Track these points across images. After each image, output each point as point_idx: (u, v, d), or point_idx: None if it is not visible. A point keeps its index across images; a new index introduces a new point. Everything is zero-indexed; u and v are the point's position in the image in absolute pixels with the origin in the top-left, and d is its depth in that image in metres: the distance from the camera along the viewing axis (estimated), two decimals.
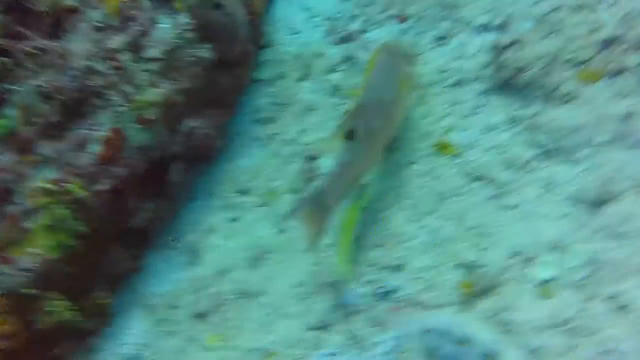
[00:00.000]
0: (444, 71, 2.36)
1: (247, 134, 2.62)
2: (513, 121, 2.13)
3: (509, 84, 2.18)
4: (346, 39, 2.73)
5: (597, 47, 2.12)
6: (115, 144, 2.04)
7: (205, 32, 2.21)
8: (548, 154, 1.99)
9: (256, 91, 2.75)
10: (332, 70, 2.65)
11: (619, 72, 2.05)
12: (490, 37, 2.40)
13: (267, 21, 2.94)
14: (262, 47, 2.88)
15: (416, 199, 2.10)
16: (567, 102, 2.06)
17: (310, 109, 2.57)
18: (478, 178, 2.05)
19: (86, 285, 2.18)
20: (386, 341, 1.76)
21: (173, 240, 2.40)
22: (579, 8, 2.25)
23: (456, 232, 1.97)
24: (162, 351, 2.14)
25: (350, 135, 1.92)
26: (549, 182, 1.94)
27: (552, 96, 2.09)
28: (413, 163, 2.21)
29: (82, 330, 2.13)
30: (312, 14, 2.93)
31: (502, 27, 2.39)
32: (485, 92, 2.25)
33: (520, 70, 2.12)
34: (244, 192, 2.43)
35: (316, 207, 1.88)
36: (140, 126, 2.07)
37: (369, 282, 1.97)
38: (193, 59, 2.23)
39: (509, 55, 2.15)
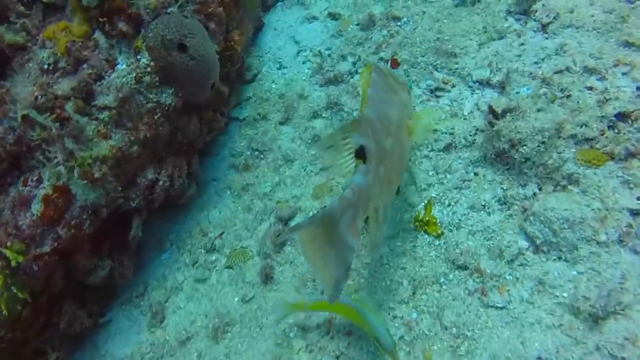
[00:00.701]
0: (435, 130, 2.06)
1: (222, 180, 2.38)
2: (505, 202, 1.84)
3: (503, 157, 1.87)
4: (333, 81, 2.44)
5: (607, 123, 1.82)
6: (58, 203, 1.79)
7: (166, 75, 1.94)
8: (542, 247, 1.70)
9: (236, 132, 2.49)
10: (315, 115, 2.37)
11: (630, 155, 1.75)
12: (487, 95, 2.10)
13: (253, 52, 2.66)
14: (246, 82, 2.61)
15: (391, 283, 1.83)
16: (567, 187, 1.76)
17: (287, 159, 2.30)
18: (461, 267, 1.77)
19: (38, 347, 1.97)
20: None
21: (137, 297, 2.18)
22: (589, 72, 1.94)
23: (432, 330, 1.70)
24: None
25: (360, 155, 1.43)
26: (542, 282, 1.66)
27: (550, 178, 1.79)
28: (392, 237, 1.93)
29: None
30: (300, 47, 2.64)
31: (501, 86, 2.08)
32: (477, 163, 1.95)
33: (516, 144, 1.82)
34: (212, 249, 2.18)
35: (327, 234, 1.36)
36: (87, 183, 1.81)
37: None
38: (152, 105, 1.96)
39: (504, 124, 1.85)
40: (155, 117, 1.98)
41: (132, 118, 1.94)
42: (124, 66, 1.94)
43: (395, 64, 2.34)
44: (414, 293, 1.79)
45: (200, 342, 1.99)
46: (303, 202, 2.15)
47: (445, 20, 2.34)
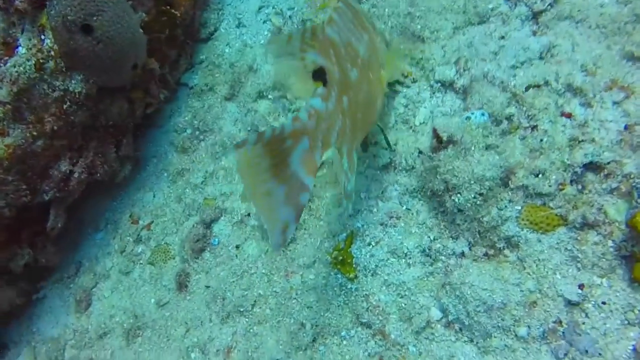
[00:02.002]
0: (376, 143, 1.65)
1: (161, 159, 2.10)
2: (429, 255, 1.47)
3: (437, 199, 1.47)
4: None
5: (571, 174, 1.35)
6: None
7: (72, 60, 1.62)
8: (454, 324, 1.36)
9: (184, 101, 2.16)
10: (261, 95, 1.98)
11: (586, 225, 1.30)
12: (447, 103, 1.63)
13: (212, 4, 2.22)
14: (201, 40, 2.21)
15: (294, 322, 1.57)
16: (502, 251, 1.36)
17: (225, 145, 1.97)
18: (366, 324, 1.47)
19: None
20: None
21: (68, 278, 2.05)
22: (572, 92, 1.43)
23: None
24: None
25: (319, 77, 1.17)
26: None
27: (484, 237, 1.38)
28: (307, 267, 1.63)
29: None
30: (264, 1, 2.17)
31: (464, 93, 1.60)
32: (413, 194, 1.55)
33: (450, 189, 1.40)
34: (139, 240, 1.98)
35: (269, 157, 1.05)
36: None
37: None
38: (60, 93, 1.67)
39: (443, 159, 1.42)
40: (65, 107, 1.69)
41: (35, 110, 1.67)
42: (24, 50, 1.63)
43: None
44: (313, 340, 1.53)
45: (115, 339, 1.86)
46: (231, 202, 1.86)
47: None
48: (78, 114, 1.74)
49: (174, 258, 1.88)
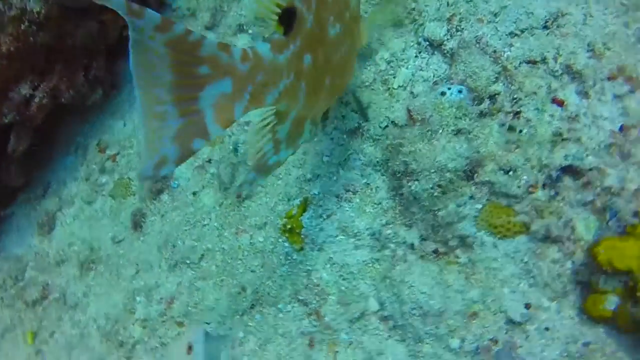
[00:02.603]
0: (347, 103, 1.49)
1: None
2: (378, 239, 1.35)
3: (396, 180, 1.33)
4: None
5: (545, 176, 1.18)
6: None
7: None
8: (389, 320, 1.27)
9: None
10: (241, 29, 1.81)
11: (548, 238, 1.15)
12: (431, 66, 1.43)
13: None
14: None
15: (236, 285, 1.52)
16: (453, 251, 1.24)
17: None
18: (304, 302, 1.40)
19: None
20: None
21: (35, 200, 2.05)
22: (570, 76, 1.22)
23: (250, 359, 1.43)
24: None
25: (287, 19, 0.97)
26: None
27: (437, 232, 1.26)
28: (259, 228, 1.55)
29: None
30: None
31: (451, 57, 1.40)
32: (376, 167, 1.41)
33: (409, 174, 1.25)
34: (103, 170, 1.93)
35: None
36: None
37: None
38: (16, 12, 1.56)
39: (408, 137, 1.26)
40: (23, 27, 1.59)
41: None
42: None
43: None
44: (251, 307, 1.48)
45: (71, 268, 1.87)
46: None
47: None
48: (39, 34, 1.63)
49: (133, 195, 1.82)
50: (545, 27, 1.29)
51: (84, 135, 2.04)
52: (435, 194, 1.22)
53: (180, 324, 1.57)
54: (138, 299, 1.68)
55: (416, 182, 1.24)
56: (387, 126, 1.40)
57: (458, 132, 1.22)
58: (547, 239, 1.14)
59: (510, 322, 1.15)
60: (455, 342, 1.17)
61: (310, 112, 1.09)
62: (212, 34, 1.88)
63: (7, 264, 1.98)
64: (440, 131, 1.22)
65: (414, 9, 1.49)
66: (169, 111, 0.83)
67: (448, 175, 1.19)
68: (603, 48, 1.22)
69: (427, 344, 1.20)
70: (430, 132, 1.23)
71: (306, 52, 1.00)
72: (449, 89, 1.27)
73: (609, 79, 1.19)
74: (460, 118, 1.23)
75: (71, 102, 1.86)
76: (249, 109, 0.92)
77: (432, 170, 1.21)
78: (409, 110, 1.31)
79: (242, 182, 1.03)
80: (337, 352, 1.32)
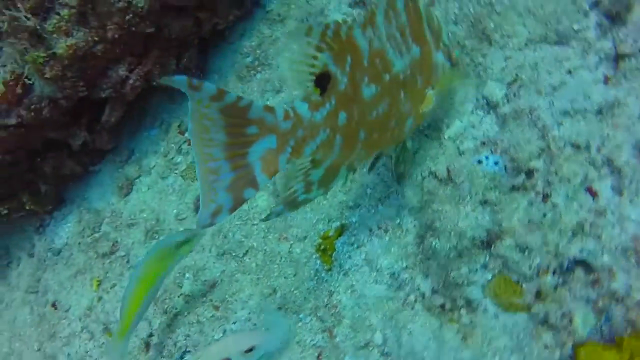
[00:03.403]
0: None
1: (221, 78, 2.22)
2: (396, 279, 1.49)
3: (424, 231, 1.45)
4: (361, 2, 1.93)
5: (556, 265, 1.26)
6: (15, 89, 1.89)
7: None
8: (389, 357, 1.42)
9: (258, 22, 2.20)
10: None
11: (544, 323, 1.24)
12: (483, 127, 1.51)
13: None
14: None
15: (266, 287, 1.73)
16: (457, 310, 1.35)
17: (275, 88, 2.02)
18: (320, 318, 1.58)
19: (32, 180, 2.30)
20: None
21: (119, 162, 2.36)
22: (609, 167, 1.28)
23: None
24: (71, 264, 2.30)
25: (323, 83, 1.15)
26: None
27: (447, 289, 1.37)
28: (300, 240, 1.74)
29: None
30: None
31: (502, 121, 1.47)
32: (410, 212, 1.54)
33: (433, 230, 1.37)
34: (180, 150, 2.19)
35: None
36: (43, 77, 1.85)
37: None
38: (123, 5, 1.81)
39: (439, 194, 1.38)
40: (127, 18, 1.84)
41: (99, 17, 1.83)
42: None
43: None
44: (278, 309, 1.68)
45: (138, 232, 2.15)
46: None
47: None
48: (140, 25, 1.87)
49: (196, 182, 2.05)
50: (599, 113, 1.33)
51: (169, 113, 2.29)
52: (451, 255, 1.33)
53: (216, 308, 1.80)
54: (187, 275, 1.93)
55: (437, 240, 1.35)
56: (427, 177, 1.50)
57: (485, 202, 1.31)
58: (545, 323, 1.23)
59: None
60: None
61: (345, 161, 1.24)
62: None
63: (89, 215, 2.30)
64: (469, 198, 1.32)
65: (480, 64, 1.56)
66: (222, 166, 1.03)
67: (466, 242, 1.30)
68: None
69: None
70: (459, 197, 1.33)
71: (340, 110, 1.16)
72: (487, 157, 1.35)
73: None
74: (491, 189, 1.32)
75: (161, 86, 2.10)
76: (291, 160, 1.11)
77: (452, 233, 1.32)
78: (448, 169, 1.40)
79: (271, 211, 1.20)
80: None
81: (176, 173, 2.15)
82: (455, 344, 1.31)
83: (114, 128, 2.21)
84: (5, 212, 2.23)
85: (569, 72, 1.40)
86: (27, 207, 2.23)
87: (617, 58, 1.35)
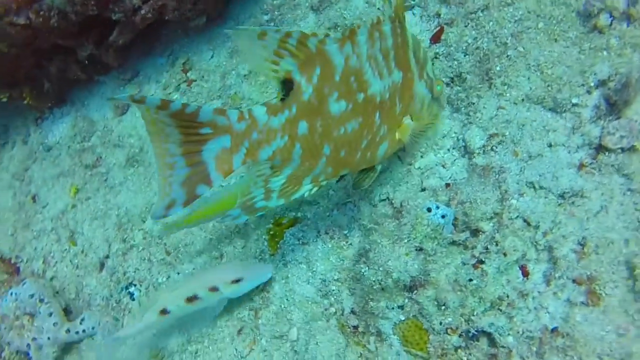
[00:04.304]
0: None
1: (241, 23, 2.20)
2: (325, 287, 1.56)
3: (362, 252, 1.51)
4: None
5: (466, 331, 1.31)
6: None
7: None
8: (290, 345, 1.53)
9: None
10: (336, 25, 1.93)
11: None
12: (453, 169, 1.52)
13: None
14: None
15: (215, 253, 1.82)
16: (364, 337, 1.43)
17: None
18: (252, 300, 1.68)
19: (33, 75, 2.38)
20: None
21: (122, 80, 2.42)
22: (545, 254, 1.30)
23: None
24: (57, 164, 2.42)
25: (286, 88, 1.17)
26: None
27: (363, 314, 1.44)
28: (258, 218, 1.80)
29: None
30: None
31: (472, 171, 1.48)
32: (360, 225, 1.58)
33: (367, 258, 1.42)
34: (178, 89, 2.23)
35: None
36: None
37: None
38: None
39: (383, 225, 1.42)
40: None
41: None
42: None
43: (439, 34, 1.69)
44: None
45: (121, 156, 2.24)
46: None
47: (538, 34, 1.52)
48: None
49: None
50: (561, 197, 1.34)
51: (180, 46, 2.31)
52: (375, 287, 1.39)
53: (168, 253, 1.91)
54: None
55: (367, 268, 1.40)
56: (384, 200, 1.53)
57: (420, 249, 1.35)
58: None
59: None
60: None
61: (308, 173, 1.27)
62: (313, 16, 1.99)
63: (83, 123, 2.39)
64: (406, 241, 1.35)
65: (473, 104, 1.54)
66: (178, 162, 1.10)
67: (389, 281, 1.35)
68: (592, 250, 1.26)
69: None
70: (398, 237, 1.36)
71: (301, 119, 1.18)
72: (437, 207, 1.37)
73: (574, 281, 1.25)
74: (430, 239, 1.35)
75: (173, 20, 2.10)
76: (245, 161, 1.16)
77: (381, 269, 1.37)
78: (401, 203, 1.43)
79: (227, 215, 1.25)
80: (253, 349, 1.61)
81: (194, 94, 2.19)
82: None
83: (122, 48, 2.24)
84: (5, 99, 2.32)
85: (550, 145, 1.38)
86: (27, 102, 2.32)
87: (599, 149, 1.33)
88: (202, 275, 1.63)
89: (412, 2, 1.75)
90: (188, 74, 2.21)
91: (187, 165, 1.11)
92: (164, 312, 1.58)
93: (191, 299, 1.57)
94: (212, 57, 2.19)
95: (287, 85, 1.16)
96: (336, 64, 1.17)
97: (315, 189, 1.29)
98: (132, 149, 2.20)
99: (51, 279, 2.14)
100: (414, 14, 1.78)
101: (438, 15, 1.71)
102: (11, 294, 1.89)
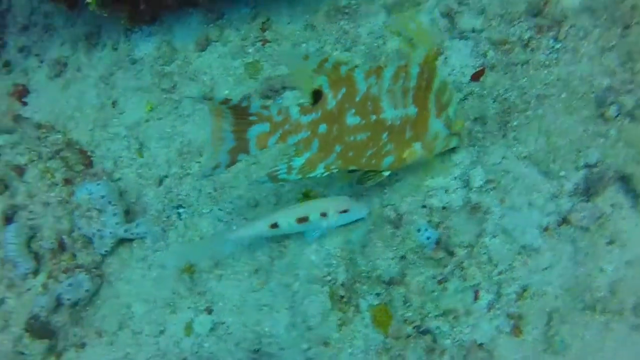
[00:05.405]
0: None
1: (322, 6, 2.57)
2: (327, 263, 2.09)
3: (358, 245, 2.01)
4: None
5: (416, 326, 1.83)
6: None
7: None
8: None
9: None
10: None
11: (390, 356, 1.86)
12: (452, 197, 1.96)
13: None
14: None
15: (239, 200, 2.35)
16: (343, 311, 1.97)
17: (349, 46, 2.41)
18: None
19: None
20: None
21: (209, 18, 2.84)
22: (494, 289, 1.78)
23: None
24: (139, 78, 2.94)
25: (316, 96, 1.73)
26: None
27: (349, 291, 1.98)
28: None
29: None
30: None
31: (466, 205, 1.92)
32: (357, 230, 2.07)
33: (362, 249, 1.93)
34: (254, 45, 2.65)
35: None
36: None
37: None
38: None
39: (378, 235, 1.91)
40: None
41: None
42: None
43: (480, 74, 2.06)
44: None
45: (194, 90, 2.73)
46: None
47: (558, 102, 1.88)
48: None
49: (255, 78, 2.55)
50: (523, 248, 1.79)
51: (264, 5, 2.69)
52: (363, 274, 1.91)
53: (215, 189, 2.44)
54: None
55: (361, 258, 1.91)
56: (390, 206, 2.00)
57: (403, 257, 1.84)
58: (387, 353, 1.84)
59: None
60: None
61: (322, 161, 1.80)
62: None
63: (167, 48, 2.85)
64: (395, 248, 1.85)
65: (484, 147, 1.95)
66: (228, 137, 1.69)
67: (374, 274, 1.86)
68: (529, 296, 1.73)
69: None
70: (390, 242, 1.86)
71: (322, 123, 1.74)
72: (426, 230, 1.84)
73: (507, 314, 1.73)
74: (414, 252, 1.84)
75: None
76: (278, 143, 1.75)
77: (370, 264, 1.88)
78: (402, 215, 1.91)
79: (256, 179, 1.82)
80: (263, 287, 2.17)
81: (243, 60, 2.63)
82: (332, 326, 1.95)
83: None
84: (106, 14, 2.78)
85: (530, 204, 1.80)
86: (123, 22, 2.79)
87: (564, 220, 1.74)
88: (313, 202, 2.04)
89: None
90: (265, 33, 2.62)
91: (235, 139, 1.71)
92: (274, 225, 2.01)
93: (302, 220, 1.98)
94: (289, 23, 2.59)
95: (315, 95, 1.71)
96: (359, 88, 1.70)
97: (327, 173, 1.83)
98: (205, 87, 2.67)
99: (118, 179, 2.73)
100: (467, 46, 2.13)
101: (485, 55, 2.05)
102: (86, 188, 2.49)
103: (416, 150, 1.82)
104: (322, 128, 1.74)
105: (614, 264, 1.68)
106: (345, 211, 1.97)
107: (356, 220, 2.02)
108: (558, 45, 1.92)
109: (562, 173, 1.80)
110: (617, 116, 1.78)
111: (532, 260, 1.76)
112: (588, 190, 1.75)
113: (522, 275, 1.76)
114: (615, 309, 1.65)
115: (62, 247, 2.46)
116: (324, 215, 1.97)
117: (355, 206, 1.98)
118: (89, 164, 2.81)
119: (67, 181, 2.60)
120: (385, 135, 1.77)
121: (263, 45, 2.61)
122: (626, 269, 1.68)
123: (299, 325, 2.03)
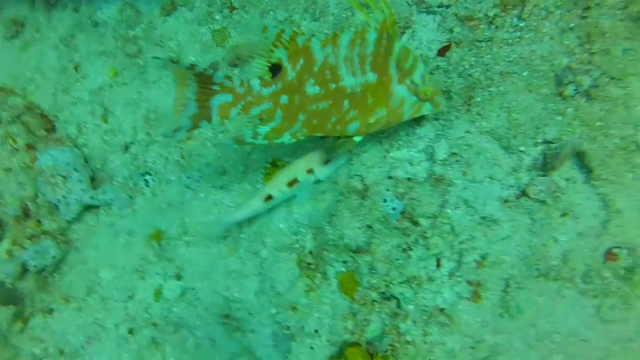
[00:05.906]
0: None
1: None
2: (294, 231, 2.17)
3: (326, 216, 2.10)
4: None
5: (384, 292, 1.94)
6: None
7: None
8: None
9: None
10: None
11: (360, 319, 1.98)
12: (418, 168, 2.06)
13: None
14: None
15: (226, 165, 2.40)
16: (310, 277, 2.07)
17: (317, 16, 2.44)
18: None
19: None
20: None
21: None
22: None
23: None
24: (102, 42, 2.91)
25: (275, 70, 1.85)
26: None
27: (316, 258, 2.07)
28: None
29: None
30: None
31: (434, 183, 2.02)
32: (319, 195, 2.16)
33: (330, 219, 2.02)
34: (221, 11, 2.65)
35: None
36: None
37: None
38: None
39: (346, 203, 2.00)
40: None
41: None
42: None
43: (446, 49, 2.14)
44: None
45: (159, 54, 2.73)
46: None
47: (520, 80, 1.98)
48: None
49: (222, 46, 2.56)
50: (483, 219, 1.90)
51: None
52: (330, 243, 1.99)
53: (183, 157, 2.48)
54: None
55: (329, 227, 2.00)
56: (358, 176, 2.09)
57: (370, 227, 1.94)
58: (353, 317, 1.95)
59: None
60: None
61: (287, 129, 1.89)
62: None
63: (131, 11, 2.83)
64: (361, 217, 1.94)
65: (449, 121, 2.04)
66: (191, 103, 1.78)
67: (342, 243, 1.95)
68: (488, 264, 1.85)
69: None
70: (357, 212, 1.95)
71: (283, 94, 1.84)
72: (392, 201, 1.94)
73: (468, 281, 1.85)
74: (380, 222, 1.93)
75: None
76: (240, 114, 1.84)
77: (338, 234, 1.96)
78: (368, 186, 2.00)
79: (223, 141, 2.12)
80: (232, 254, 2.25)
81: (209, 27, 2.64)
82: (299, 292, 2.05)
83: None
84: None
85: (491, 177, 1.91)
86: None
87: (522, 193, 1.87)
88: (295, 163, 2.08)
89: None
90: (232, 0, 2.62)
91: (197, 106, 1.79)
92: (269, 197, 2.07)
93: (292, 183, 2.05)
94: None
95: (273, 68, 1.82)
96: (316, 58, 1.79)
97: (294, 140, 1.91)
98: (171, 52, 2.67)
99: (82, 145, 2.74)
100: (434, 20, 2.20)
101: (451, 31, 2.13)
102: (50, 154, 2.49)
103: (382, 116, 1.88)
104: (284, 99, 1.84)
105: (567, 235, 1.82)
106: (328, 161, 2.04)
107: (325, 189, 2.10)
108: (522, 24, 2.01)
109: (522, 148, 1.92)
110: (574, 95, 1.89)
111: (491, 231, 1.88)
112: (545, 165, 1.87)
113: (482, 245, 1.88)
114: (566, 276, 1.79)
115: (26, 213, 2.47)
116: (310, 171, 2.04)
117: (333, 155, 2.04)
118: (52, 129, 2.80)
119: (30, 146, 2.59)
120: (346, 102, 1.85)
121: (231, 12, 2.62)
122: (578, 240, 1.81)
123: (267, 291, 2.12)
